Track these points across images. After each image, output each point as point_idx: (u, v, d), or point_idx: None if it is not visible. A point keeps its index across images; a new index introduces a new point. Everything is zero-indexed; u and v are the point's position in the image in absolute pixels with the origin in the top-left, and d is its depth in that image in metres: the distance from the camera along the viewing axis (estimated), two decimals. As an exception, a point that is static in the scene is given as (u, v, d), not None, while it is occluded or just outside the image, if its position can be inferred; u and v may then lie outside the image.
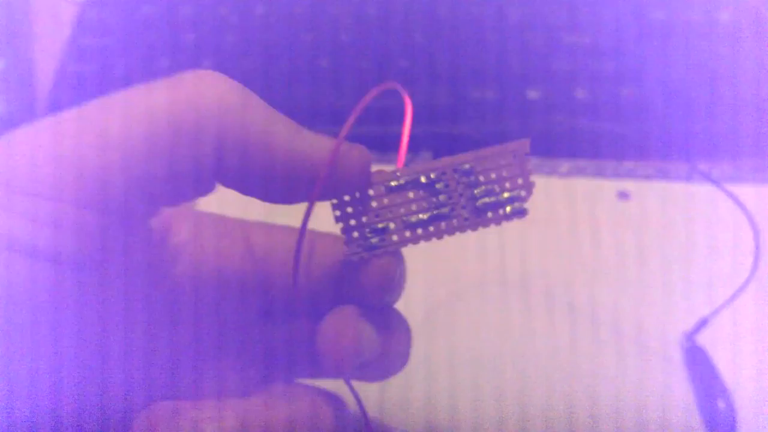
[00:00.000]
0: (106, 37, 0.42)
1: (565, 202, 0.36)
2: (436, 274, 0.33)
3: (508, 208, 0.20)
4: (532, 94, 0.38)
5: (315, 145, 0.18)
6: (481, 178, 0.20)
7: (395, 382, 0.22)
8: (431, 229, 0.20)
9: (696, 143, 0.37)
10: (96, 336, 0.18)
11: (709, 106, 0.38)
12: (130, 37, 0.42)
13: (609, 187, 0.36)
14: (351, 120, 0.18)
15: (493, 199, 0.20)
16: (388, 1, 0.42)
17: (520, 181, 0.20)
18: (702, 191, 0.36)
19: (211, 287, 0.22)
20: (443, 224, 0.20)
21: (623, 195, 0.36)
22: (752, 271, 0.30)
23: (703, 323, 0.31)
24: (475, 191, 0.20)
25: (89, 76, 0.40)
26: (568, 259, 0.34)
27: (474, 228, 0.20)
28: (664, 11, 0.42)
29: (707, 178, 0.30)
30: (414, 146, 0.38)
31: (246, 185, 0.19)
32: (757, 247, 0.29)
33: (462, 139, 0.37)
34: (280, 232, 0.23)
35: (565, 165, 0.37)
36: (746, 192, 0.36)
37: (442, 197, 0.20)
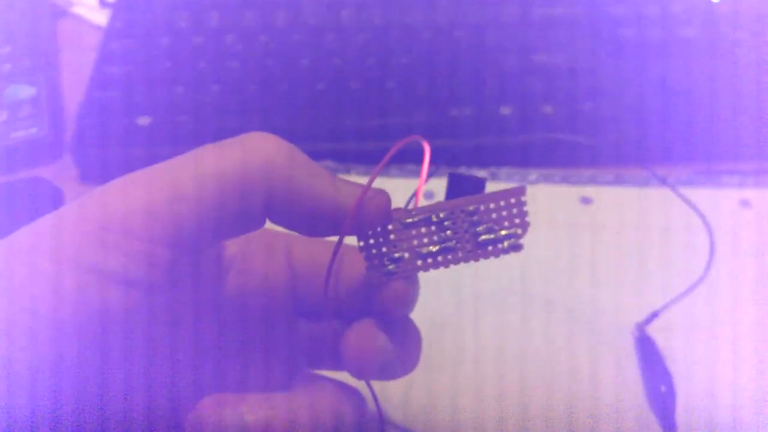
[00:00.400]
0: (127, 66, 0.46)
1: (533, 207, 0.39)
2: (437, 285, 0.36)
3: (505, 243, 0.23)
4: (505, 111, 0.43)
5: (345, 192, 0.22)
6: (484, 218, 0.23)
7: (396, 382, 0.25)
8: (439, 259, 0.23)
9: (652, 150, 0.41)
10: (168, 342, 0.23)
11: (665, 117, 0.42)
12: (148, 65, 0.46)
13: (573, 192, 0.41)
14: (377, 171, 0.21)
15: (492, 236, 0.23)
16: (377, 31, 0.47)
17: (517, 220, 0.23)
18: (656, 195, 0.40)
19: (256, 293, 0.25)
20: (450, 255, 0.23)
21: (586, 200, 0.40)
22: (706, 269, 0.31)
23: (654, 316, 0.35)
24: (478, 228, 0.23)
25: (112, 100, 0.45)
26: (539, 258, 0.38)
27: (476, 259, 0.23)
28: (633, 29, 0.46)
29: (663, 182, 0.32)
30: (401, 159, 0.42)
31: (289, 224, 0.22)
32: (712, 248, 0.31)
33: (442, 151, 0.42)
34: (316, 245, 0.27)
35: (533, 173, 0.41)
36: (699, 195, 0.40)
37: (449, 233, 0.23)
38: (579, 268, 0.38)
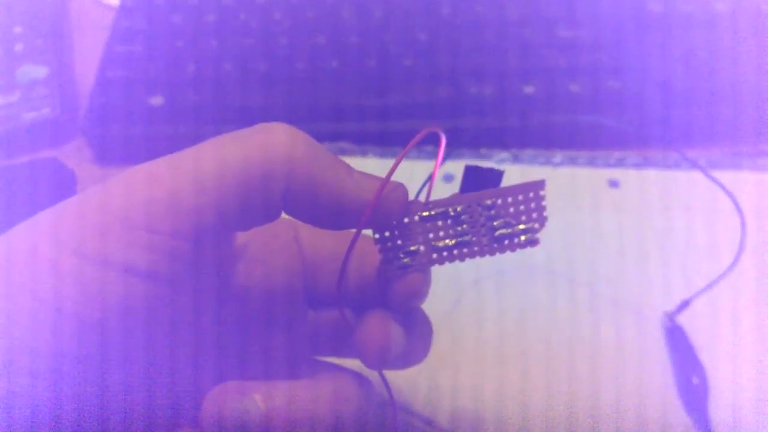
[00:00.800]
0: (138, 44, 0.45)
1: (559, 191, 0.38)
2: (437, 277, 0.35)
3: (522, 238, 0.23)
4: (528, 89, 0.41)
5: (363, 187, 0.21)
6: (501, 212, 0.22)
7: (397, 381, 0.25)
8: (455, 252, 0.23)
9: (682, 132, 0.39)
10: (188, 335, 0.23)
11: (694, 97, 0.40)
12: (161, 44, 0.45)
13: (600, 175, 0.39)
14: (395, 165, 0.21)
15: (509, 230, 0.22)
16: (395, 6, 0.45)
17: (534, 215, 0.23)
18: (686, 178, 0.38)
19: (264, 282, 0.25)
20: (465, 249, 0.23)
21: (613, 183, 0.39)
22: (737, 256, 0.30)
23: (684, 305, 0.33)
24: (495, 223, 0.22)
25: (124, 80, 0.44)
26: (564, 243, 0.37)
27: (492, 254, 0.23)
28: (662, 4, 0.44)
29: (695, 165, 0.31)
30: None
31: (305, 216, 0.22)
32: (743, 232, 0.30)
33: (462, 132, 0.40)
34: (324, 234, 0.26)
35: (558, 155, 0.39)
36: (727, 177, 0.38)
37: (465, 227, 0.22)
38: (606, 254, 0.36)
